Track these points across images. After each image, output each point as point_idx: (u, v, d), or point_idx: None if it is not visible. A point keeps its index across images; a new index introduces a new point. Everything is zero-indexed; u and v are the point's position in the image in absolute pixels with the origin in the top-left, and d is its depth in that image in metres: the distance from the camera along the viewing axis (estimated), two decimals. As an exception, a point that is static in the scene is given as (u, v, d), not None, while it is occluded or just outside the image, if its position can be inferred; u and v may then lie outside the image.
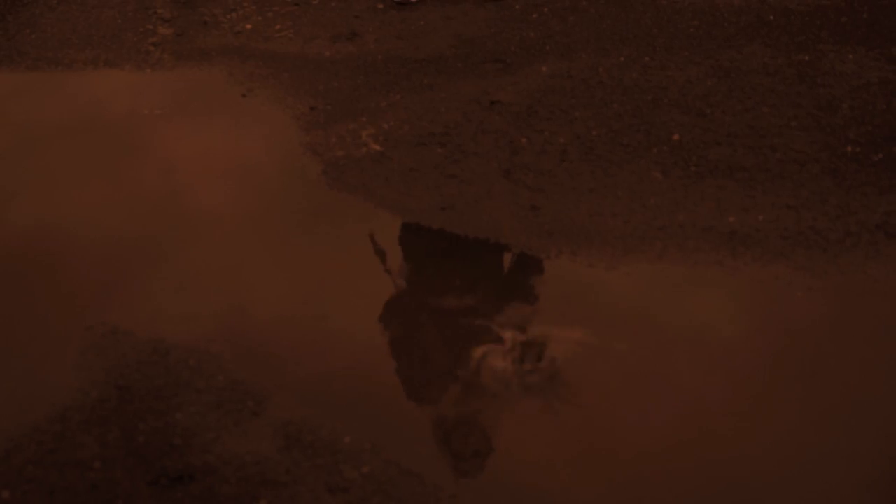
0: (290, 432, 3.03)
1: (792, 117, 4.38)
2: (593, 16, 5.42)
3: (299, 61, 5.20)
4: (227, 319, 3.49)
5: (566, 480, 2.84)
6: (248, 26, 5.61)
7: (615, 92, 4.66)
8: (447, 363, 3.26)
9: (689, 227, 3.77)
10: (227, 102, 4.88)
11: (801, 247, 3.65)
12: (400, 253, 3.78)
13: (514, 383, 3.16)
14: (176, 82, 5.09)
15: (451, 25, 5.44)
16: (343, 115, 4.68)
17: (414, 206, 4.00)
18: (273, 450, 2.98)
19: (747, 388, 3.11)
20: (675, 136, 4.30)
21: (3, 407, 3.20)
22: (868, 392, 3.07)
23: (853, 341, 3.24)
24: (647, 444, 2.93)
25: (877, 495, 2.78)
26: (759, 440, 2.93)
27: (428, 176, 4.18)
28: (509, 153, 4.27)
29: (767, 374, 3.15)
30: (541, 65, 4.95)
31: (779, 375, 3.14)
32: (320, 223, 3.98)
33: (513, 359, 3.25)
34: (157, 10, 5.86)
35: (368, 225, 3.93)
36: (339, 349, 3.33)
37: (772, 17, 5.25)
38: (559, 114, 4.52)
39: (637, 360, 3.22)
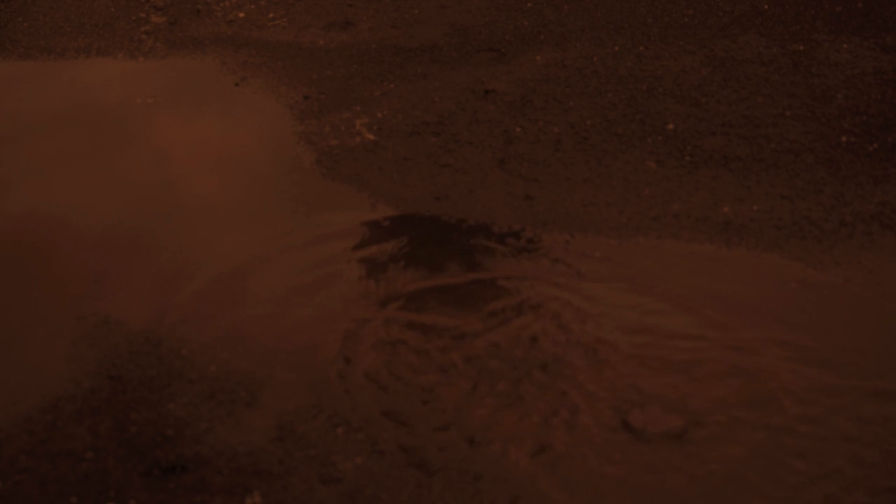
0: (282, 423, 3.03)
1: (786, 107, 4.37)
2: (587, 5, 5.40)
3: (293, 50, 5.18)
4: (219, 309, 3.48)
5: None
6: (241, 15, 5.59)
7: (609, 81, 4.65)
8: (441, 354, 3.26)
9: (683, 218, 3.77)
10: (220, 91, 4.86)
11: (795, 237, 3.64)
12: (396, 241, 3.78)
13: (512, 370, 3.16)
14: (168, 71, 5.07)
15: (445, 14, 5.42)
16: (337, 105, 4.66)
17: (408, 196, 3.99)
18: (266, 440, 2.97)
19: (743, 378, 3.11)
20: (670, 126, 4.30)
21: (-5, 397, 3.20)
22: (866, 382, 3.06)
23: (849, 332, 3.24)
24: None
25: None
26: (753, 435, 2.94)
27: (422, 165, 4.17)
28: (503, 143, 4.26)
29: (763, 366, 3.15)
30: (535, 54, 4.94)
31: (775, 366, 3.14)
32: (314, 212, 3.96)
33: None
34: (150, -2, 5.83)
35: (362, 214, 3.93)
36: (332, 340, 3.32)
37: (766, 7, 5.24)
38: (553, 103, 4.51)
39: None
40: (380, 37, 5.25)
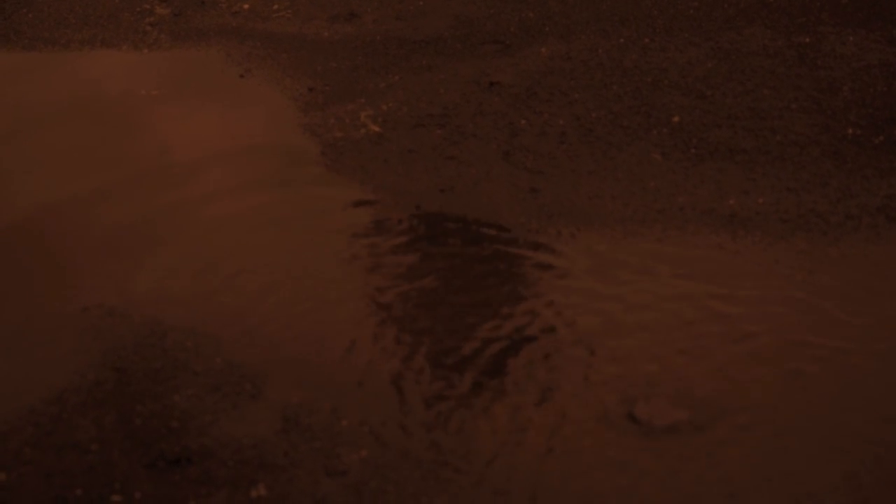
0: (287, 415, 3.02)
1: (792, 99, 4.36)
2: (593, -3, 5.40)
3: (297, 42, 5.17)
4: (224, 301, 3.48)
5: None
6: (246, 6, 5.58)
7: (615, 74, 4.64)
8: (445, 345, 3.25)
9: (688, 210, 3.76)
10: (225, 83, 4.86)
11: (801, 230, 3.63)
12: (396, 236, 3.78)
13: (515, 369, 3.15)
14: (173, 63, 5.07)
15: (449, 6, 5.41)
16: (341, 97, 4.66)
17: (412, 188, 3.99)
18: (271, 433, 2.97)
19: (742, 373, 3.11)
20: (675, 119, 4.29)
21: (0, 389, 3.19)
22: (869, 378, 3.06)
23: (854, 326, 3.23)
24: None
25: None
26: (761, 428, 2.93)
27: (427, 157, 4.16)
28: (508, 135, 4.25)
29: (768, 361, 3.14)
30: (540, 46, 4.93)
31: (779, 363, 3.13)
32: (318, 204, 3.96)
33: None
34: (155, -11, 5.83)
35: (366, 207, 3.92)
36: (337, 332, 3.32)
37: (772, -1, 5.23)
38: (558, 95, 4.50)
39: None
40: (384, 29, 5.24)
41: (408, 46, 5.04)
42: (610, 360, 3.15)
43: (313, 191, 4.04)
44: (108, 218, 3.92)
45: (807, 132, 4.15)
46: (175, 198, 4.03)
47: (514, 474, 2.81)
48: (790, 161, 3.99)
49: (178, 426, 3.00)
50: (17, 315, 3.49)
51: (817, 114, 4.26)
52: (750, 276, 3.44)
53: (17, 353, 3.33)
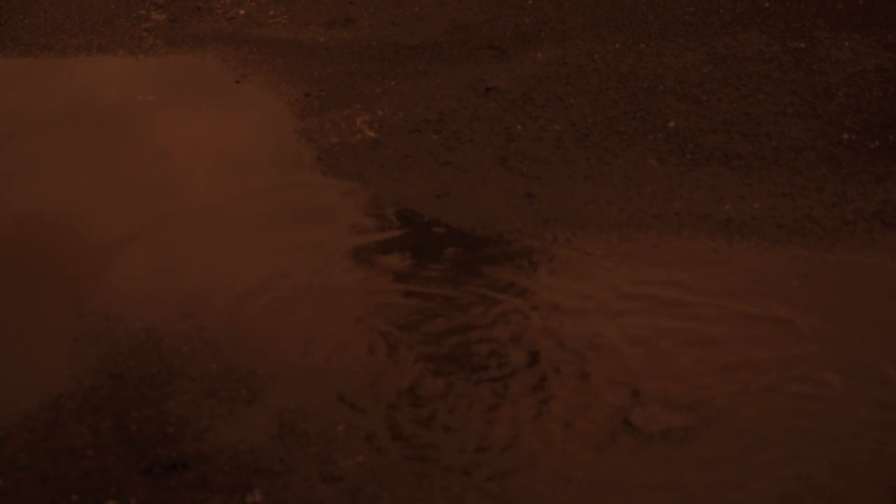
0: (283, 420, 3.02)
1: (788, 105, 4.37)
2: (588, 2, 5.40)
3: (293, 47, 5.18)
4: (221, 307, 3.47)
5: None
6: (242, 12, 5.58)
7: (610, 79, 4.65)
8: (440, 354, 3.25)
9: (684, 215, 3.76)
10: (221, 89, 4.86)
11: (796, 235, 3.64)
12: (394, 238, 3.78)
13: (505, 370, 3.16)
14: (169, 68, 5.07)
15: (445, 11, 5.42)
16: (337, 102, 4.66)
17: (409, 194, 3.99)
18: (267, 438, 2.97)
19: (742, 375, 3.11)
20: (671, 124, 4.29)
21: (-4, 395, 3.20)
22: (868, 379, 3.06)
23: (849, 330, 3.23)
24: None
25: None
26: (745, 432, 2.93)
27: (423, 163, 4.17)
28: (504, 140, 4.25)
29: (767, 363, 3.14)
30: (536, 51, 4.94)
31: (776, 363, 3.14)
32: (315, 210, 3.96)
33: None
34: (151, -5, 5.83)
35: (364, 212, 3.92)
36: (333, 337, 3.32)
37: (767, 4, 5.23)
38: (554, 101, 4.50)
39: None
40: (381, 34, 5.25)
41: (404, 52, 5.05)
42: (606, 368, 3.15)
43: (309, 197, 4.04)
44: (104, 223, 3.92)
45: (802, 137, 4.15)
46: (171, 204, 4.03)
47: (511, 479, 2.81)
48: (786, 166, 3.99)
49: (175, 431, 3.00)
50: (14, 320, 3.49)
51: (813, 119, 4.27)
52: (746, 282, 3.45)
53: (13, 359, 3.32)
